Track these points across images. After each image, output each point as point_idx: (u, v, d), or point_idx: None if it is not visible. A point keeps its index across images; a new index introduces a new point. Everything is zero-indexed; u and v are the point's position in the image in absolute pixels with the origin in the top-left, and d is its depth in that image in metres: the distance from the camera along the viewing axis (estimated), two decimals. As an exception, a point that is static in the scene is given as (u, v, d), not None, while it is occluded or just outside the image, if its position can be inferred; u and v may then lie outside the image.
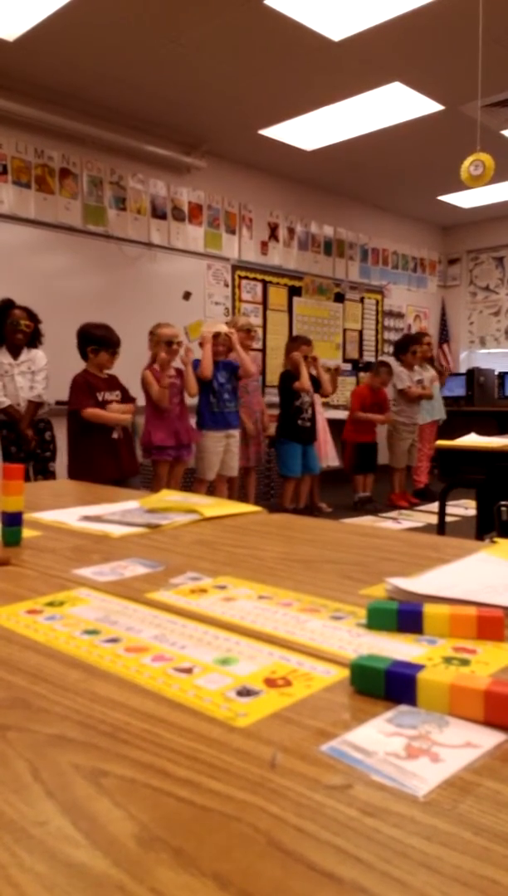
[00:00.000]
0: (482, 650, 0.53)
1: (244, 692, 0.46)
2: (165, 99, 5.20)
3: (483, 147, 3.89)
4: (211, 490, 4.72)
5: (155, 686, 0.47)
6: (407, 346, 6.02)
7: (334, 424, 6.10)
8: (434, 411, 6.30)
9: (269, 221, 6.87)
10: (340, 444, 5.97)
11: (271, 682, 0.47)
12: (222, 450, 4.71)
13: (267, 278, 6.84)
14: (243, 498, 5.12)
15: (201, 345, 4.65)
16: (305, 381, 5.16)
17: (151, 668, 0.50)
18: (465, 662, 0.51)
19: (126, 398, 3.93)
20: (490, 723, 0.41)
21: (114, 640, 0.56)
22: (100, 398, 3.82)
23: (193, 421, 4.65)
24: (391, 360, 6.20)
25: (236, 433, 4.81)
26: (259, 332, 6.71)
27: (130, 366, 4.51)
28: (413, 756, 0.38)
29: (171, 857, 0.29)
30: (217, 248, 6.39)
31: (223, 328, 4.79)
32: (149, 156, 5.71)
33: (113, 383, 3.93)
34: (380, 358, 7.56)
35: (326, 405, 6.18)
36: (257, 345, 6.46)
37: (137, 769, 0.37)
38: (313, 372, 5.40)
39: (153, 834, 0.31)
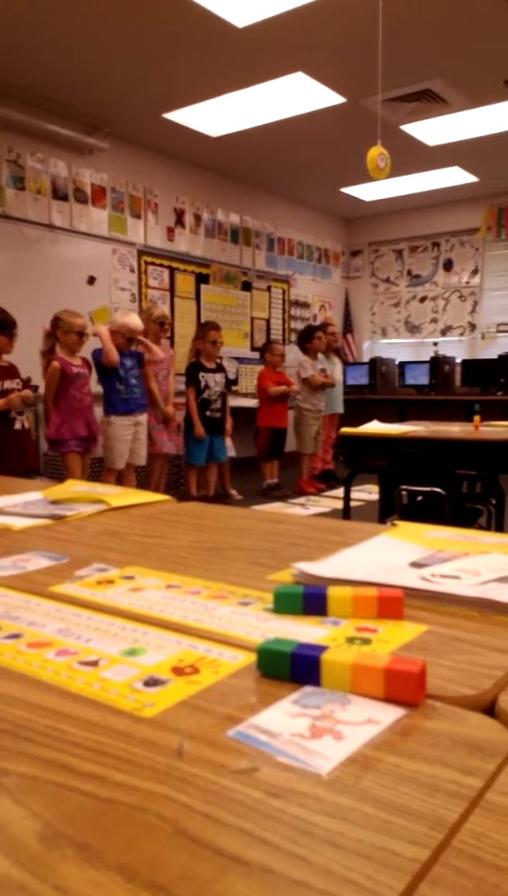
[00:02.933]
0: (382, 629, 0.55)
1: (151, 682, 0.45)
2: (65, 76, 5.03)
3: (384, 141, 3.99)
4: (120, 480, 4.64)
5: (59, 681, 0.46)
6: (310, 335, 6.13)
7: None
8: (334, 405, 6.48)
9: (175, 207, 6.78)
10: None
11: (178, 671, 0.47)
12: (131, 437, 4.64)
13: (174, 265, 6.76)
14: (155, 486, 5.07)
15: (96, 334, 4.54)
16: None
17: (55, 663, 0.49)
18: (366, 641, 0.52)
19: (27, 387, 3.80)
20: (389, 699, 0.42)
21: (15, 636, 0.54)
22: (-1, 387, 3.67)
23: (98, 410, 4.55)
24: (296, 349, 6.31)
25: (143, 420, 4.75)
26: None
27: (31, 352, 4.37)
28: (317, 735, 0.38)
29: (75, 853, 0.29)
30: (122, 233, 6.26)
31: (136, 321, 4.67)
32: (49, 134, 5.50)
33: (12, 372, 3.79)
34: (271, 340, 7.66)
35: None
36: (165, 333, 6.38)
37: (39, 766, 0.36)
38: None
39: (57, 830, 0.30)
